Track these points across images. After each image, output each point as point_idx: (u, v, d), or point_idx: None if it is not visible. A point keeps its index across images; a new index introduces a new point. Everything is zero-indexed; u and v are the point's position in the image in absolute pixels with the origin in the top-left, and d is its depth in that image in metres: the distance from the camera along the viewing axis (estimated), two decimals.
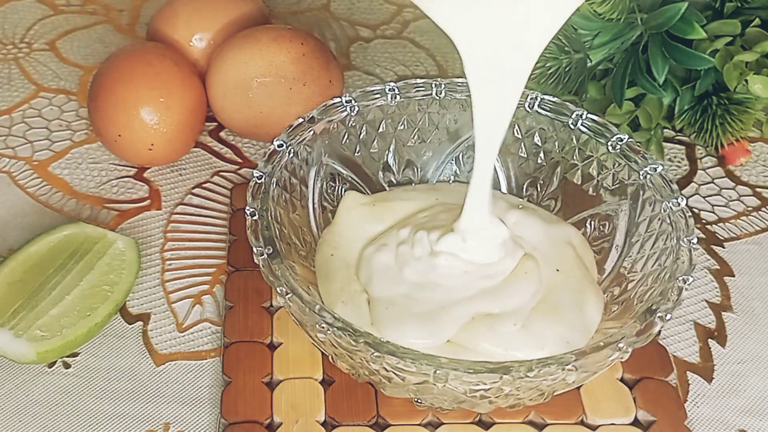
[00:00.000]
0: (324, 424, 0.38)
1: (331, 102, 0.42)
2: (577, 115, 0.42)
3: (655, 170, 0.40)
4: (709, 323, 0.43)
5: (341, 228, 0.42)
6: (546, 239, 0.41)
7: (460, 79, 0.43)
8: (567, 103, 0.42)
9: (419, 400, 0.36)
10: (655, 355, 0.40)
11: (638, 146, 0.41)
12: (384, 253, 0.40)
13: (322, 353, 0.39)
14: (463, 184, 0.42)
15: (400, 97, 0.43)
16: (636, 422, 0.38)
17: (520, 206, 0.43)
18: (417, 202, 0.43)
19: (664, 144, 0.51)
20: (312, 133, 0.41)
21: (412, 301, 0.38)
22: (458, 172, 0.45)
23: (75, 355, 0.40)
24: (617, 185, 0.41)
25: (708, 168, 0.51)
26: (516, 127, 0.43)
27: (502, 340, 0.36)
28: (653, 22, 0.46)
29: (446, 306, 0.38)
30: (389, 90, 0.43)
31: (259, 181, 0.39)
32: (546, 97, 0.42)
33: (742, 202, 0.50)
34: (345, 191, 0.43)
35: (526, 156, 0.44)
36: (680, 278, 0.36)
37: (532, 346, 0.36)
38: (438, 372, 0.32)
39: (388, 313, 0.37)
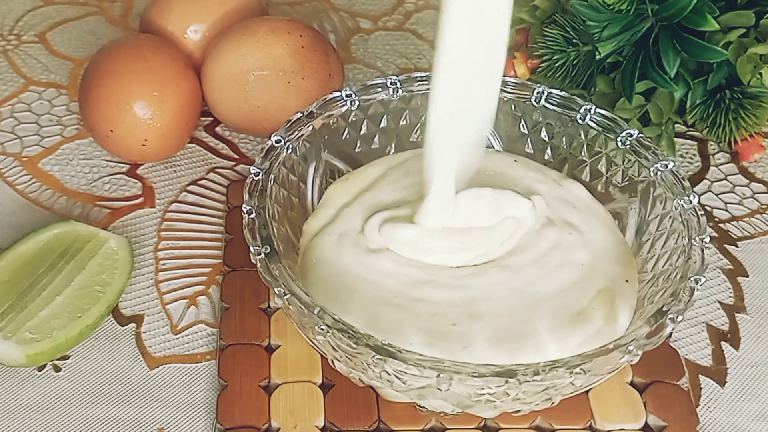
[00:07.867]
0: (323, 429, 0.38)
1: (331, 96, 0.42)
2: (585, 109, 0.42)
3: (666, 167, 0.40)
4: (722, 325, 0.43)
5: (320, 212, 0.40)
6: (606, 219, 0.40)
7: None
8: (575, 98, 0.42)
9: (422, 405, 0.36)
10: (666, 358, 0.40)
11: (649, 142, 0.41)
12: (318, 266, 0.38)
13: (322, 356, 0.39)
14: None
15: (402, 91, 0.43)
16: (646, 427, 0.38)
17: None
18: (386, 164, 0.42)
19: (676, 139, 0.51)
20: (311, 128, 0.41)
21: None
22: None
23: (66, 358, 0.40)
24: (627, 182, 0.41)
25: (721, 164, 0.51)
26: (522, 122, 0.43)
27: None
28: (664, 14, 0.46)
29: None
30: (391, 84, 0.43)
31: (256, 178, 0.38)
32: (553, 91, 0.42)
33: (756, 199, 0.49)
34: None
35: (532, 152, 0.43)
36: (692, 278, 0.36)
37: None
38: (441, 376, 0.32)
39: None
